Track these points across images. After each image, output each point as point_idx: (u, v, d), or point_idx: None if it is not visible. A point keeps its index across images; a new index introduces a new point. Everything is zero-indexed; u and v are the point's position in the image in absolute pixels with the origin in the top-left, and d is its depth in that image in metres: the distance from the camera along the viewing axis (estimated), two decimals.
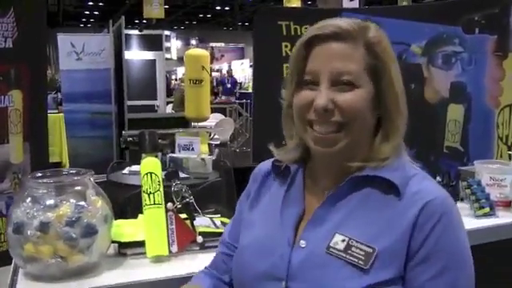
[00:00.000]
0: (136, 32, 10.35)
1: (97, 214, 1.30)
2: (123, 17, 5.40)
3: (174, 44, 17.65)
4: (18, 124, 2.73)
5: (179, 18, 21.61)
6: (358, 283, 0.85)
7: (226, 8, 20.46)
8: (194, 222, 1.47)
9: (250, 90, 16.42)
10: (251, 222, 1.03)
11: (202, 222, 1.53)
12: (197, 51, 6.63)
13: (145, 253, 1.39)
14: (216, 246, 1.16)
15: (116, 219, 1.41)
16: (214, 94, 14.06)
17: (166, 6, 11.73)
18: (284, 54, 3.47)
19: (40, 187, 1.29)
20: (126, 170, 3.46)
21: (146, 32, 10.51)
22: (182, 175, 2.41)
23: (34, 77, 2.85)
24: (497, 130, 3.26)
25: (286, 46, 3.48)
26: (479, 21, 3.20)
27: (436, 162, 3.33)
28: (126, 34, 6.78)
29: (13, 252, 1.29)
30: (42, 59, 3.26)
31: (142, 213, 1.46)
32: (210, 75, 7.47)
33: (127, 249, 1.42)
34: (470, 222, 1.74)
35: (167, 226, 1.41)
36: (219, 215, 1.60)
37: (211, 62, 7.83)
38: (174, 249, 1.40)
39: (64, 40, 5.57)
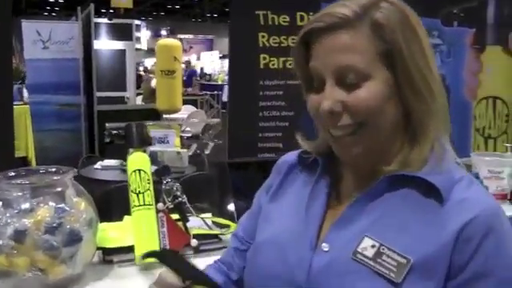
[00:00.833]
0: (105, 21, 10.05)
1: (80, 217, 1.15)
2: (92, 4, 5.20)
3: (144, 34, 17.31)
4: None
5: (147, 9, 21.21)
6: None
7: None
8: (187, 224, 1.37)
9: (220, 82, 16.36)
10: (271, 215, 0.93)
11: (194, 224, 1.42)
12: (169, 41, 6.51)
13: (133, 259, 1.27)
14: (212, 249, 1.08)
15: None
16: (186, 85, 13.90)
17: None
18: (261, 45, 3.38)
19: (13, 189, 1.13)
20: (97, 165, 3.35)
21: (115, 21, 10.22)
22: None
23: None
24: (474, 122, 3.30)
25: (263, 37, 3.39)
26: (458, 14, 3.23)
27: None
28: (95, 23, 6.56)
29: None
30: (7, 48, 3.10)
31: (121, 211, 1.36)
32: None
33: (113, 255, 1.30)
34: None
35: (158, 228, 1.29)
36: (200, 212, 1.51)
37: None
38: None
39: (29, 27, 5.29)
